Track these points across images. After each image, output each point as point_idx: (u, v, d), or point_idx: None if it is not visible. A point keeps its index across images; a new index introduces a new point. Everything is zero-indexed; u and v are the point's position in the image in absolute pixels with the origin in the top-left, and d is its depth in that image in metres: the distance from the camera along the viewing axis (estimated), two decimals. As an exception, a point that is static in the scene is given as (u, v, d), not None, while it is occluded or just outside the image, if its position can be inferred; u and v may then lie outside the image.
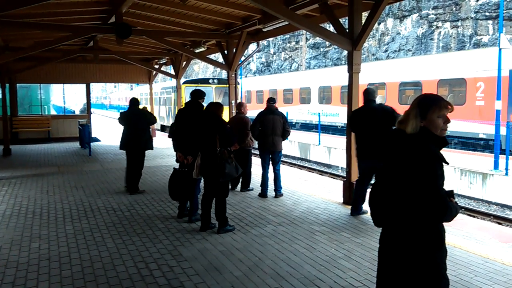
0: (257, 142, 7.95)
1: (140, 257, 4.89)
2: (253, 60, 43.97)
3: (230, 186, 6.77)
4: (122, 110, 9.01)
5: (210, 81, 21.33)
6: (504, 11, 21.47)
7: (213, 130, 5.63)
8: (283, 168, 10.81)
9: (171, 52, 16.04)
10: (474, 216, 9.16)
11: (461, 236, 5.70)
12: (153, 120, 8.52)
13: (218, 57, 22.66)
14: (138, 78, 20.76)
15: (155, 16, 10.73)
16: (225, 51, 12.09)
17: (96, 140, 16.47)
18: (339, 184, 8.80)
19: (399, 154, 2.46)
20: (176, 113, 6.55)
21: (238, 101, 12.05)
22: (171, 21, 11.12)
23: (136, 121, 8.22)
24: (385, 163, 2.56)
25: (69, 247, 5.25)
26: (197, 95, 6.25)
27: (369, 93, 6.31)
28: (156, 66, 19.54)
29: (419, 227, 2.40)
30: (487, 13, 24.77)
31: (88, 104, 20.11)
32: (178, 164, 6.46)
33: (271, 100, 7.95)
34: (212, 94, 20.66)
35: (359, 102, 6.95)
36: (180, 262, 4.73)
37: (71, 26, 10.63)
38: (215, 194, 5.76)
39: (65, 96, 21.62)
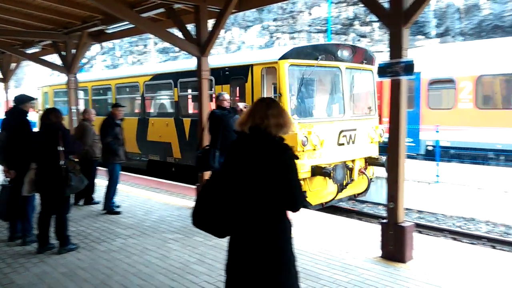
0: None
1: (-42, 293, 4.13)
2: (96, 63, 41.38)
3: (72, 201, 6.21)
4: None
5: (340, 53, 8.91)
6: (332, 26, 24.37)
7: (56, 139, 5.08)
8: (136, 178, 10.41)
9: (-3, 52, 14.02)
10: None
11: (302, 229, 6.22)
12: None
13: (56, 58, 20.65)
14: (-46, 81, 17.60)
15: (-26, 10, 9.22)
16: (63, 53, 11.08)
17: None
18: (192, 190, 8.78)
19: (253, 155, 2.45)
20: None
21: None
22: (-5, 17, 9.70)
23: None
24: (233, 168, 2.53)
25: None
26: (20, 101, 5.62)
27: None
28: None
29: (275, 223, 2.48)
30: (318, 27, 27.76)
31: None
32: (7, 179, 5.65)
33: (114, 106, 7.57)
34: (339, 80, 9.06)
35: (210, 106, 7.23)
36: (12, 292, 4.14)
37: None
38: (55, 211, 5.21)
39: None
